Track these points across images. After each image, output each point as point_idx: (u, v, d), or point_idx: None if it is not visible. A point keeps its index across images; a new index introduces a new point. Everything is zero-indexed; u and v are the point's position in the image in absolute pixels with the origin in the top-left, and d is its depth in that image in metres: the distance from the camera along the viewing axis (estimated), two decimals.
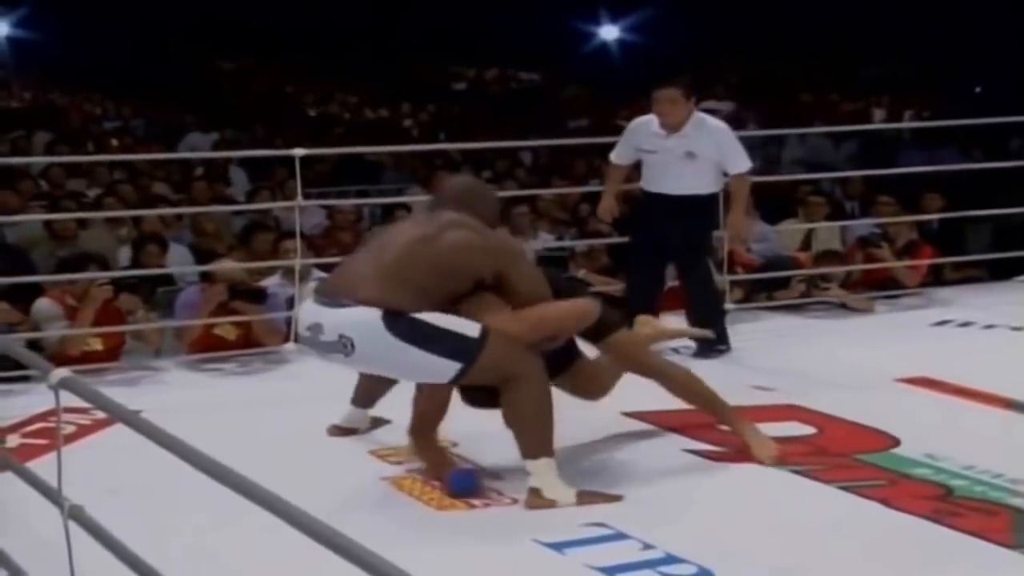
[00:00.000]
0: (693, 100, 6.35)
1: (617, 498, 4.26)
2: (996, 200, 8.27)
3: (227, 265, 6.69)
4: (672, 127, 6.31)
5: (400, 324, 4.08)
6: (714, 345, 6.36)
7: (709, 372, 5.85)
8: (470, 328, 4.14)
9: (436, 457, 4.59)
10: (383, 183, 12.65)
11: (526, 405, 4.22)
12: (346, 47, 23.24)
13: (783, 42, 20.34)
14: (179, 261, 7.84)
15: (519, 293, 4.29)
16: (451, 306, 4.20)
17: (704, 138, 6.32)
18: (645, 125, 6.43)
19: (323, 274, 6.75)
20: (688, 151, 6.29)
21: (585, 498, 4.22)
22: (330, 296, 4.23)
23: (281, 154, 7.28)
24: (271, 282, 6.79)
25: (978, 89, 19.15)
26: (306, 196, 6.71)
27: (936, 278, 8.06)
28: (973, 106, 15.55)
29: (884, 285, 7.62)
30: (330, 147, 12.75)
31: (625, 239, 6.95)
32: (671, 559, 3.74)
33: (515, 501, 4.26)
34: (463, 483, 4.36)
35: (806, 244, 8.25)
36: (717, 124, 6.46)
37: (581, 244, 8.06)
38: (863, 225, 8.28)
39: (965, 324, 6.99)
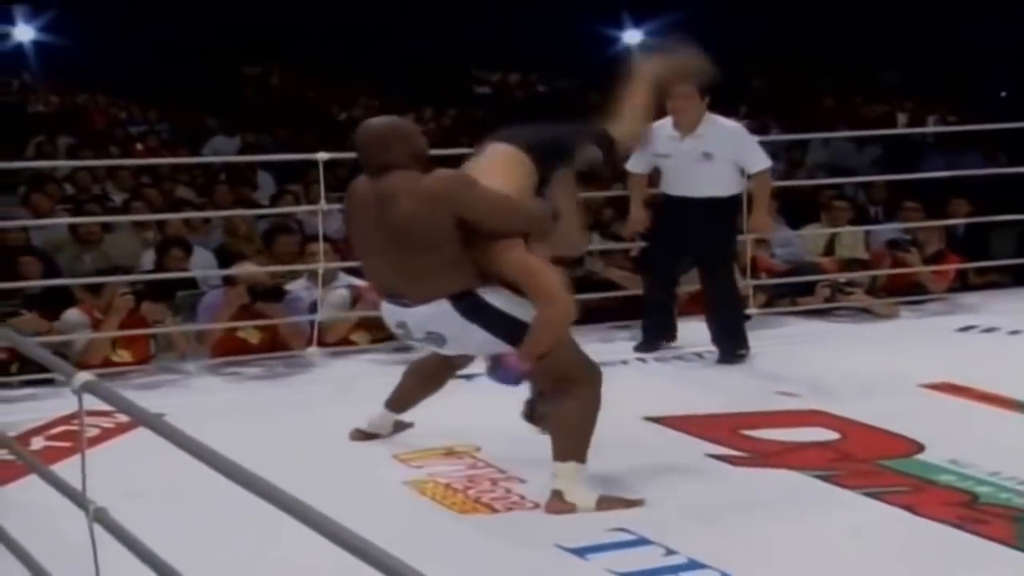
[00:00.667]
0: (707, 100, 6.29)
1: (638, 503, 4.25)
2: (1021, 205, 8.23)
3: (248, 268, 6.70)
4: (686, 127, 6.25)
5: (471, 307, 4.18)
6: (735, 350, 6.34)
7: (734, 378, 5.86)
8: (523, 311, 4.20)
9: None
10: None
11: (574, 409, 4.25)
12: (369, 52, 23.25)
13: (807, 46, 20.28)
14: (203, 265, 7.85)
15: (489, 223, 4.19)
16: (472, 260, 4.20)
17: (719, 138, 6.25)
18: (658, 130, 6.33)
19: (350, 277, 6.77)
20: (704, 152, 6.22)
21: (605, 503, 4.21)
22: (392, 298, 4.32)
23: (305, 158, 7.27)
24: (296, 285, 6.79)
25: (1003, 93, 19.06)
26: (330, 200, 6.71)
27: (961, 283, 8.02)
28: (998, 110, 15.46)
29: (910, 290, 7.59)
30: (353, 151, 12.72)
31: (644, 243, 6.91)
32: (693, 565, 3.72)
33: (537, 506, 4.26)
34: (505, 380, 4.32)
35: (829, 249, 8.21)
36: (731, 123, 6.43)
37: (601, 246, 8.04)
38: (889, 230, 8.23)
39: (990, 330, 6.96)
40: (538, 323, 4.19)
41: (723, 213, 6.37)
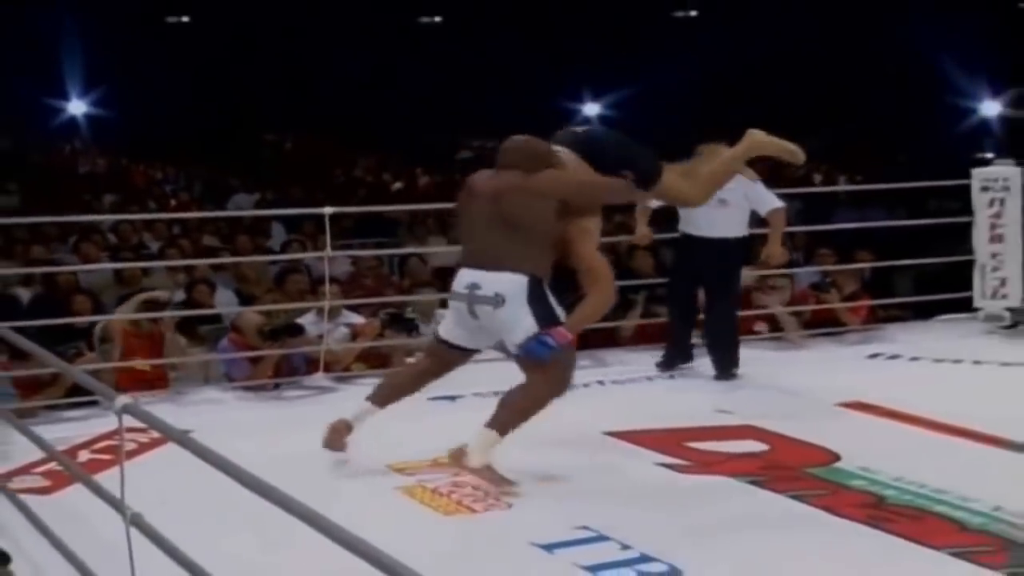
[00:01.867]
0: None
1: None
2: (918, 252, 8.29)
3: (248, 314, 6.58)
4: None
5: (535, 290, 4.39)
6: (732, 369, 6.35)
7: (679, 398, 5.85)
8: (560, 312, 4.45)
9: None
10: (399, 236, 12.66)
11: (528, 397, 4.39)
12: (370, 121, 23.32)
13: (744, 122, 20.38)
14: (226, 302, 7.81)
15: (578, 200, 4.60)
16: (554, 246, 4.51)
17: (734, 187, 6.13)
18: None
19: (351, 315, 6.73)
20: (721, 199, 6.08)
21: (487, 472, 4.30)
22: (480, 265, 4.48)
23: (313, 212, 7.25)
24: (307, 319, 6.75)
25: (902, 158, 19.23)
26: (333, 247, 6.69)
27: (870, 318, 8.02)
28: (898, 172, 15.59)
29: (830, 324, 7.57)
30: (355, 206, 12.74)
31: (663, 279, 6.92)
32: (645, 558, 3.70)
33: (510, 506, 4.23)
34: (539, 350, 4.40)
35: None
36: (746, 175, 6.36)
37: None
38: (809, 272, 8.24)
39: (894, 356, 6.97)
40: (588, 306, 4.56)
41: (735, 252, 6.38)
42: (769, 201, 6.40)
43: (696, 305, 6.58)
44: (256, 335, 6.29)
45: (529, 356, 4.41)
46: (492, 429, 4.33)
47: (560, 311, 4.46)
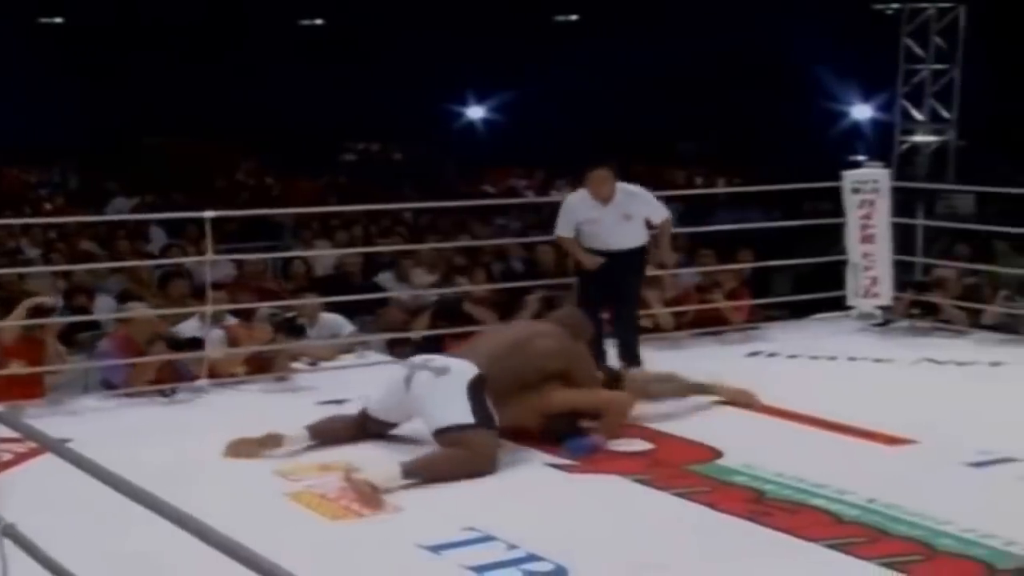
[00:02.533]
0: (616, 175, 6.52)
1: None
2: (794, 252, 8.45)
3: (140, 312, 6.46)
4: (607, 198, 6.46)
5: (476, 385, 4.67)
6: (634, 364, 6.46)
7: None
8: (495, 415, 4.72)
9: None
10: (283, 239, 12.52)
11: (456, 465, 4.51)
12: (251, 125, 22.99)
13: (618, 125, 20.62)
14: (105, 309, 7.61)
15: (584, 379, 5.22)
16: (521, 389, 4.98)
17: (633, 201, 6.52)
18: (580, 201, 6.54)
19: (233, 319, 6.62)
20: (625, 214, 6.48)
21: (375, 498, 4.27)
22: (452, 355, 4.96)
23: (194, 216, 7.11)
24: (189, 326, 6.61)
25: (779, 160, 19.67)
26: (216, 251, 6.56)
27: (749, 317, 8.16)
28: (775, 174, 15.92)
29: (714, 324, 7.69)
30: (237, 209, 12.55)
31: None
32: (532, 558, 3.71)
33: (399, 509, 4.20)
34: (580, 448, 4.85)
35: None
36: (635, 188, 6.62)
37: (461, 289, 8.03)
38: (689, 273, 8.34)
39: (772, 355, 7.10)
40: (611, 416, 5.10)
41: (638, 260, 6.64)
42: (660, 211, 6.68)
43: (601, 311, 6.66)
44: (146, 340, 6.14)
45: (573, 452, 4.83)
46: (406, 478, 4.38)
47: (496, 418, 4.70)
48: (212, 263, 6.59)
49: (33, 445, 4.57)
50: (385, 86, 22.79)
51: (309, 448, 4.92)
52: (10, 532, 2.80)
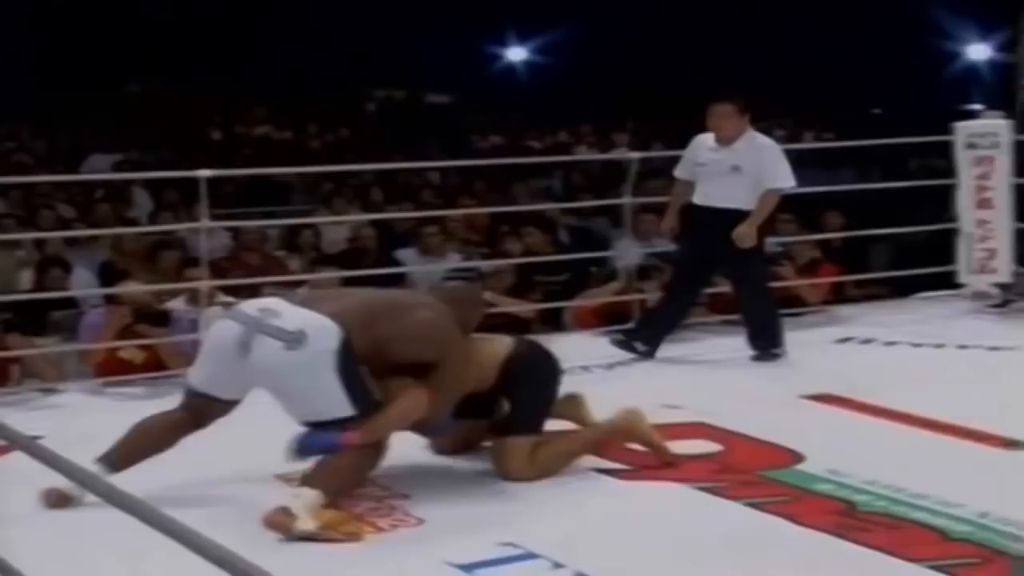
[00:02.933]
0: (747, 116, 6.51)
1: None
2: (896, 220, 8.40)
3: (132, 287, 6.59)
4: (724, 140, 6.48)
5: (347, 356, 4.20)
6: (769, 348, 6.51)
7: (619, 391, 5.89)
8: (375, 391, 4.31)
9: None
10: (290, 204, 12.57)
11: (351, 467, 4.25)
12: (256, 70, 23.07)
13: (686, 65, 20.55)
14: (84, 284, 7.71)
15: (441, 383, 4.43)
16: (382, 374, 4.36)
17: (751, 153, 6.46)
18: (703, 140, 6.63)
19: (227, 297, 6.68)
20: (734, 165, 6.43)
21: (324, 532, 4.08)
22: (301, 302, 4.38)
23: (188, 175, 7.18)
24: (176, 305, 6.69)
25: (877, 111, 19.48)
26: (212, 218, 6.63)
27: (839, 296, 8.15)
28: (873, 127, 15.80)
29: (787, 303, 7.68)
30: (237, 168, 12.64)
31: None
32: None
33: (421, 521, 4.23)
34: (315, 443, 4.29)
35: None
36: (767, 142, 6.61)
37: (488, 264, 8.06)
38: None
39: (867, 341, 7.08)
40: (397, 407, 4.34)
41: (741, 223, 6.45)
42: (774, 177, 6.50)
43: (701, 288, 6.74)
44: (132, 313, 6.27)
45: (300, 450, 4.27)
46: (314, 488, 4.16)
47: (375, 391, 4.33)
48: (208, 231, 6.66)
49: (2, 442, 4.66)
50: (411, 23, 22.80)
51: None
52: None
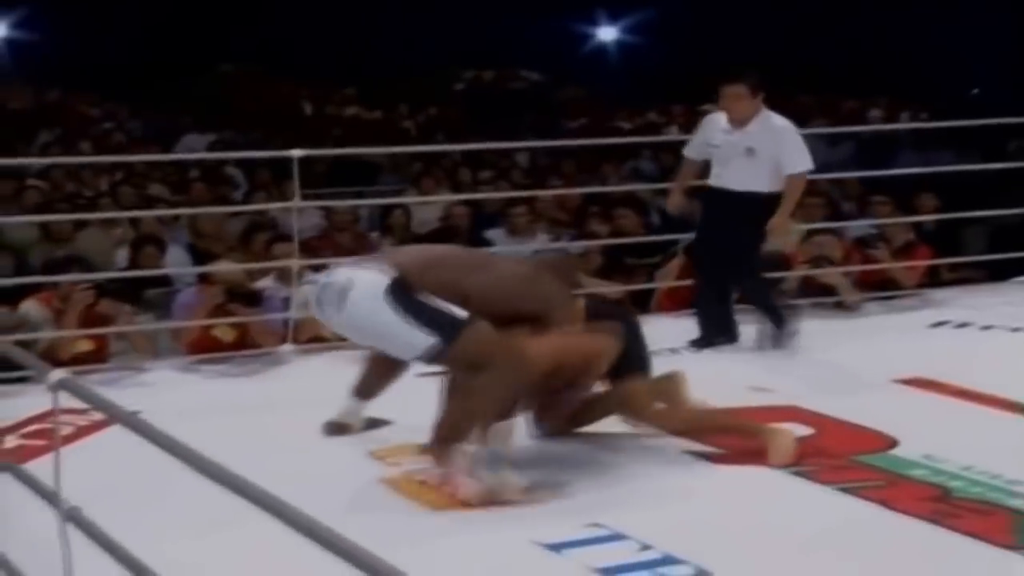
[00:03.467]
0: (761, 96, 6.38)
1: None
2: (993, 202, 8.27)
3: (225, 267, 6.68)
4: (738, 122, 6.37)
5: (398, 291, 4.19)
6: (783, 333, 6.46)
7: (708, 374, 5.87)
8: (458, 311, 4.21)
9: None
10: (380, 184, 12.64)
11: (484, 399, 4.25)
12: (345, 50, 23.21)
13: (781, 43, 20.33)
14: (177, 262, 7.83)
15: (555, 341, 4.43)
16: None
17: (766, 135, 6.32)
18: (715, 120, 6.52)
19: (317, 275, 6.75)
20: (748, 147, 6.31)
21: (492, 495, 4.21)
22: (357, 262, 4.50)
23: (278, 155, 7.25)
24: (266, 284, 6.77)
25: (975, 91, 19.14)
26: (303, 197, 6.70)
27: (933, 279, 8.06)
28: (970, 108, 15.53)
29: (881, 286, 7.62)
30: (328, 148, 12.73)
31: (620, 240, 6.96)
32: (669, 560, 3.74)
33: (510, 500, 4.25)
34: None
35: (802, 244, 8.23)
36: (782, 123, 6.44)
37: (577, 245, 8.05)
38: (860, 226, 8.26)
39: (963, 325, 7.00)
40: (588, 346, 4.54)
41: (757, 208, 6.37)
42: (795, 160, 6.37)
43: (726, 269, 6.61)
44: (223, 291, 6.37)
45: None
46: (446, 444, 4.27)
47: (457, 309, 4.24)
48: (299, 211, 6.73)
49: (98, 417, 4.77)
50: (501, 2, 22.78)
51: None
52: (74, 516, 2.93)
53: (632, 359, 4.76)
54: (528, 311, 4.44)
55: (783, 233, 6.63)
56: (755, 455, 4.70)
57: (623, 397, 4.76)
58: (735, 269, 6.51)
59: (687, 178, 6.80)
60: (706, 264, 6.63)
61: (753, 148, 6.32)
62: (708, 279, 6.61)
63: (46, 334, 6.11)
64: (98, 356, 6.27)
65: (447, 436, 4.31)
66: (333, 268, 4.53)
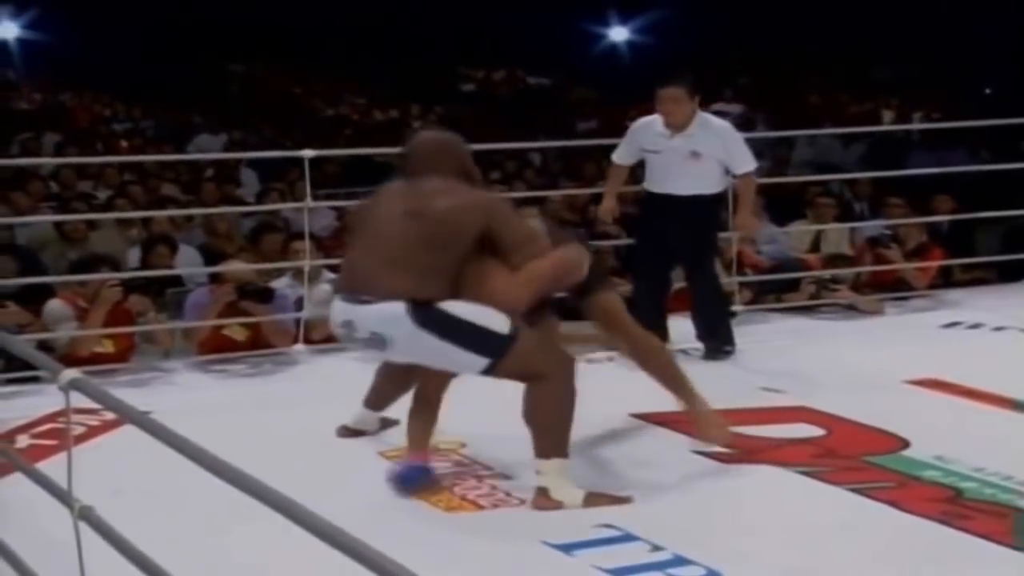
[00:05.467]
0: (698, 99, 6.33)
1: (626, 500, 4.26)
2: (1006, 202, 8.26)
3: (236, 266, 6.70)
4: (676, 126, 6.28)
5: (427, 316, 4.07)
6: (721, 346, 6.36)
7: (719, 375, 5.88)
8: (498, 323, 4.12)
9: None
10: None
11: (549, 405, 4.20)
12: (355, 48, 23.24)
13: (792, 43, 20.33)
14: (189, 262, 7.85)
15: (510, 244, 4.22)
16: (457, 278, 4.16)
17: (709, 138, 6.29)
18: (649, 125, 6.43)
19: (332, 275, 6.78)
20: (693, 150, 6.26)
21: (592, 500, 4.22)
22: (351, 294, 4.22)
23: (290, 155, 7.27)
24: (280, 283, 6.79)
25: (988, 91, 19.11)
26: (315, 197, 6.71)
27: (946, 280, 8.05)
28: (983, 107, 15.51)
29: (893, 286, 7.62)
30: (339, 148, 12.77)
31: (631, 241, 6.95)
32: (680, 561, 3.73)
33: (523, 502, 4.26)
34: (411, 477, 4.38)
35: (815, 246, 8.24)
36: (721, 124, 6.43)
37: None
38: (873, 226, 8.26)
39: (975, 326, 6.99)
40: (559, 257, 4.30)
41: (707, 211, 6.39)
42: (742, 160, 6.38)
43: (668, 277, 6.61)
44: (236, 290, 6.38)
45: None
46: (548, 459, 4.21)
47: (494, 318, 4.13)
48: (310, 211, 6.74)
49: (110, 417, 4.79)
50: (512, 2, 22.79)
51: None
52: (86, 515, 2.94)
53: (598, 275, 4.71)
54: (480, 229, 4.22)
55: (752, 231, 6.72)
56: (765, 454, 4.71)
57: (603, 308, 4.68)
58: (697, 273, 6.45)
59: (618, 184, 6.77)
60: (648, 270, 6.52)
61: (698, 152, 6.25)
62: (648, 285, 6.51)
63: (68, 332, 6.12)
64: (121, 356, 6.29)
65: (554, 442, 4.23)
66: (341, 308, 4.26)
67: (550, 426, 4.22)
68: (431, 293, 4.10)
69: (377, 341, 4.14)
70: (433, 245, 4.12)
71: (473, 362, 4.14)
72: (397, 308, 4.06)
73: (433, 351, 4.13)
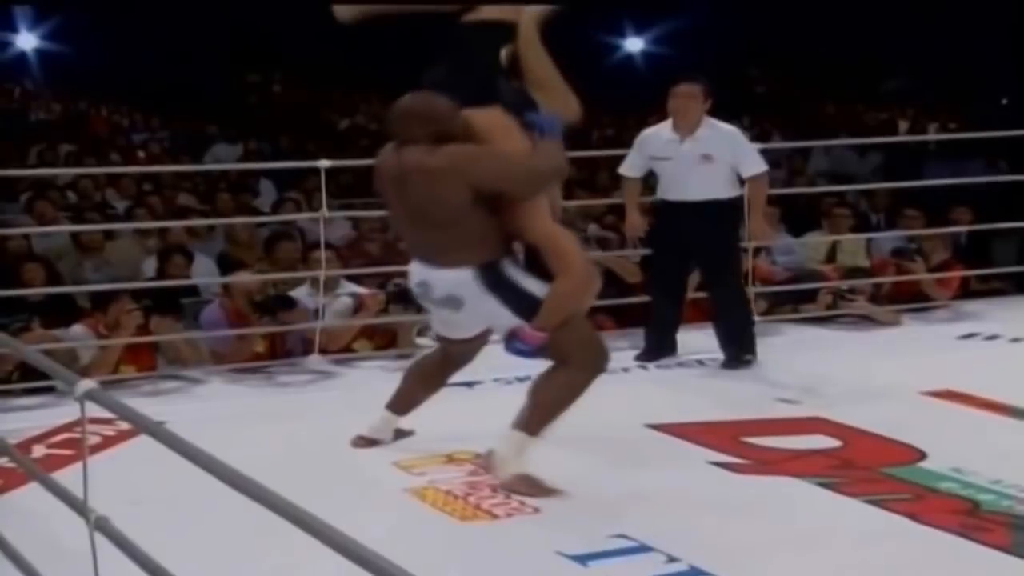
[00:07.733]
0: (709, 103, 6.32)
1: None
2: (1022, 213, 8.23)
3: (243, 277, 6.69)
4: (687, 128, 6.27)
5: (489, 277, 4.37)
6: (742, 354, 6.34)
7: (735, 385, 5.87)
8: (539, 289, 4.38)
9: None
10: None
11: (560, 392, 4.40)
12: (372, 60, 23.27)
13: (808, 53, 20.29)
14: (204, 272, 7.86)
15: (506, 188, 4.38)
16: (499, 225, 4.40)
17: (718, 140, 6.28)
18: (657, 134, 6.43)
19: (352, 285, 6.79)
20: (704, 154, 6.24)
21: (524, 481, 4.33)
22: (425, 259, 4.48)
23: (306, 165, 7.28)
24: (299, 292, 6.80)
25: (1004, 100, 19.03)
26: (331, 207, 6.72)
27: (963, 291, 8.02)
28: (999, 118, 15.44)
29: (914, 298, 7.59)
30: (355, 158, 12.74)
31: (648, 250, 6.93)
32: (696, 572, 3.72)
33: (538, 511, 4.25)
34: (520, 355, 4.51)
35: (831, 256, 8.22)
36: (728, 127, 6.41)
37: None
38: (893, 238, 8.23)
39: (992, 337, 6.96)
40: (554, 293, 4.39)
41: (723, 216, 6.36)
42: (752, 163, 6.36)
43: (685, 285, 6.60)
44: (247, 302, 6.36)
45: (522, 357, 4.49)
46: (521, 431, 4.38)
47: (536, 285, 4.41)
48: (327, 220, 6.75)
49: (125, 427, 4.79)
50: None
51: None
52: (102, 525, 2.94)
53: None
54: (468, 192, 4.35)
55: (765, 236, 6.69)
56: (781, 465, 4.70)
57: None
58: (718, 279, 6.44)
59: (636, 197, 6.71)
60: (666, 280, 6.52)
61: (710, 155, 6.23)
62: (667, 295, 6.51)
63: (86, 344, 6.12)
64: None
65: (538, 421, 4.39)
66: (417, 269, 4.53)
67: (547, 409, 4.39)
68: (488, 256, 4.37)
69: (453, 301, 4.43)
70: (445, 224, 4.34)
71: (512, 321, 4.40)
72: (466, 274, 4.37)
73: (497, 313, 4.42)
